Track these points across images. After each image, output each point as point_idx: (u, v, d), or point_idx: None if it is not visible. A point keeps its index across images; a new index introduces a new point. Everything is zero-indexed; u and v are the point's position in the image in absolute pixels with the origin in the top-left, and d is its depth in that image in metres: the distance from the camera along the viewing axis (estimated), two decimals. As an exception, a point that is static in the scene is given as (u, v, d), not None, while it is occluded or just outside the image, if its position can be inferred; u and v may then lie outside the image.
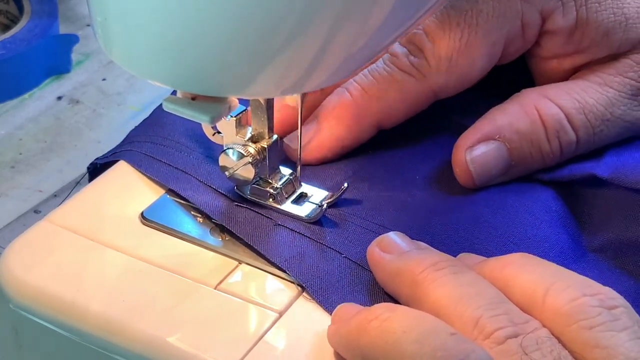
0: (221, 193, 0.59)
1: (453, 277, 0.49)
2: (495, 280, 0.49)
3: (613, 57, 0.62)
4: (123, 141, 0.64)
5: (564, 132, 0.60)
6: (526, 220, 0.58)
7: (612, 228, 0.58)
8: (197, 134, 0.62)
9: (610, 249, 0.58)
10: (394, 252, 0.52)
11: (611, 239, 0.58)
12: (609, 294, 0.47)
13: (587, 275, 0.55)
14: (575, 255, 0.57)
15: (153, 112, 0.66)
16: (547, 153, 0.60)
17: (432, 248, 0.53)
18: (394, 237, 0.53)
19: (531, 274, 0.49)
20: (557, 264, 0.55)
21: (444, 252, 0.54)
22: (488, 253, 0.55)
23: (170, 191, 0.60)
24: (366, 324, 0.47)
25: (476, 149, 0.60)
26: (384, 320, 0.46)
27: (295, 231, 0.56)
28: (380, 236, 0.54)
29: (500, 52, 0.62)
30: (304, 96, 0.58)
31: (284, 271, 0.54)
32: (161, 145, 0.62)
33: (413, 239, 0.54)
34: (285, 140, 0.61)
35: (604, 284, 0.54)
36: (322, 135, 0.61)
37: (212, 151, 0.62)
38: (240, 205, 0.58)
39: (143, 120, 0.65)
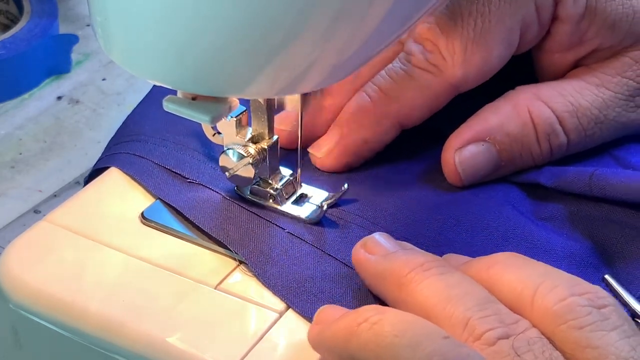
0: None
1: (440, 278, 0.49)
2: (481, 281, 0.49)
3: (613, 53, 0.62)
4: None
5: (555, 135, 0.60)
6: (470, 199, 0.59)
7: (560, 202, 0.59)
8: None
9: (558, 218, 0.58)
10: (379, 253, 0.52)
11: (559, 209, 0.59)
12: (597, 292, 0.46)
13: (537, 238, 0.56)
14: (523, 220, 0.57)
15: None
16: (537, 154, 0.60)
17: (418, 249, 0.53)
18: (379, 238, 0.53)
19: (518, 274, 0.48)
20: (502, 230, 0.56)
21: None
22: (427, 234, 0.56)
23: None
24: (355, 327, 0.46)
25: (465, 150, 0.60)
26: (374, 323, 0.45)
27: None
28: (364, 237, 0.53)
29: (517, 39, 0.61)
30: (304, 97, 0.58)
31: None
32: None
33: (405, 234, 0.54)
34: (309, 149, 0.62)
35: (554, 246, 0.55)
36: (346, 141, 0.61)
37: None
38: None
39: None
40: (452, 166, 0.60)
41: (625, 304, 0.53)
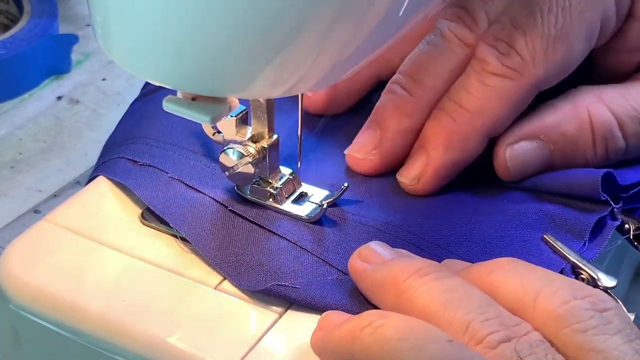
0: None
1: (438, 283, 0.48)
2: (482, 286, 0.48)
3: None
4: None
5: (612, 139, 0.58)
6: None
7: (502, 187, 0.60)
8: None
9: (499, 190, 0.59)
10: (375, 261, 0.51)
11: (500, 186, 0.59)
12: (599, 296, 0.46)
13: (499, 200, 0.56)
14: (486, 192, 0.58)
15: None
16: (592, 157, 0.59)
17: (415, 255, 0.52)
18: (375, 247, 0.52)
19: (519, 278, 0.48)
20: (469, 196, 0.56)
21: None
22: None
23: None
24: (358, 331, 0.46)
25: (517, 146, 0.58)
26: (378, 327, 0.45)
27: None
28: (360, 247, 0.53)
29: (597, 32, 0.59)
30: (302, 96, 0.58)
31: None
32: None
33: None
34: (398, 176, 0.60)
35: (492, 209, 0.55)
36: (434, 165, 0.59)
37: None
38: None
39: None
40: (502, 160, 0.58)
41: (565, 259, 0.53)
